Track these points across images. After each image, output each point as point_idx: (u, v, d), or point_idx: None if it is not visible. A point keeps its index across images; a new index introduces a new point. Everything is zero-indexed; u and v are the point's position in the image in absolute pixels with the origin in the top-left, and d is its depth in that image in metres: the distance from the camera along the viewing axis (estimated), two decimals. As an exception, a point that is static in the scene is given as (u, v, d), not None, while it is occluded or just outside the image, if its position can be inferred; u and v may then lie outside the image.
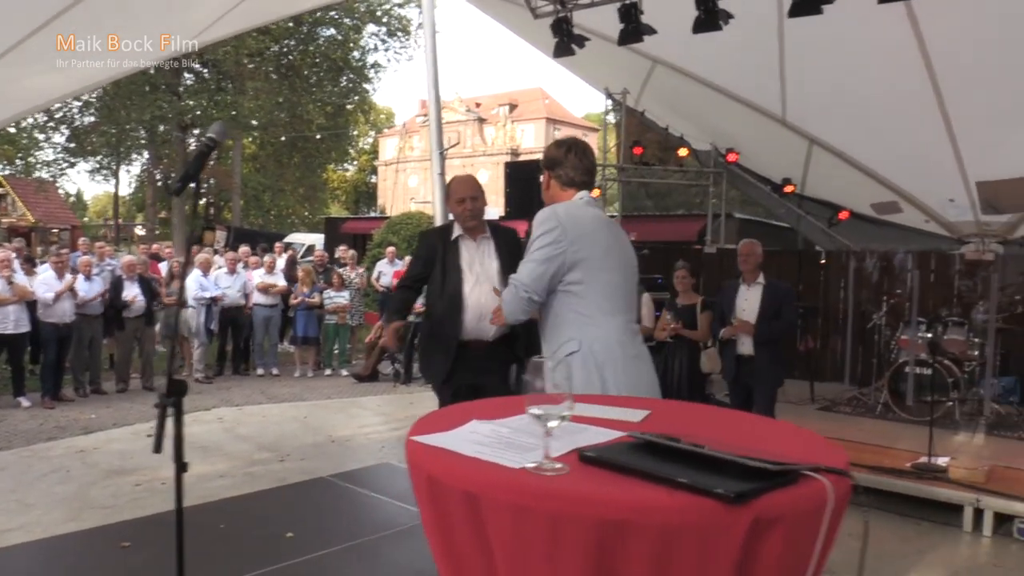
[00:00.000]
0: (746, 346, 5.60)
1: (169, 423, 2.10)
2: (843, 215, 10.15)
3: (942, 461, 5.27)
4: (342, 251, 12.89)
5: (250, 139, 21.39)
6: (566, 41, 6.68)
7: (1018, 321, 7.94)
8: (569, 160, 2.83)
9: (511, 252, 3.73)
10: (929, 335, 7.77)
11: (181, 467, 2.20)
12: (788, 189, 10.11)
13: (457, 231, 3.78)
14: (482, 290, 3.65)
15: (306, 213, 31.25)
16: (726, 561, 1.04)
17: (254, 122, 19.30)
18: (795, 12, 5.43)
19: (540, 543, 1.09)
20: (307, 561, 3.84)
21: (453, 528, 1.21)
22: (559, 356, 2.60)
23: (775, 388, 5.67)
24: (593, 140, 51.49)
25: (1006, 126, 7.36)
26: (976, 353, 7.78)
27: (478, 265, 3.72)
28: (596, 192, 10.24)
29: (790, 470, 1.13)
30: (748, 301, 5.63)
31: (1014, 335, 7.93)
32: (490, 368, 3.69)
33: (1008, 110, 7.12)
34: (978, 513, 4.74)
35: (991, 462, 5.40)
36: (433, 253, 3.76)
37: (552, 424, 1.26)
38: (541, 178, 2.98)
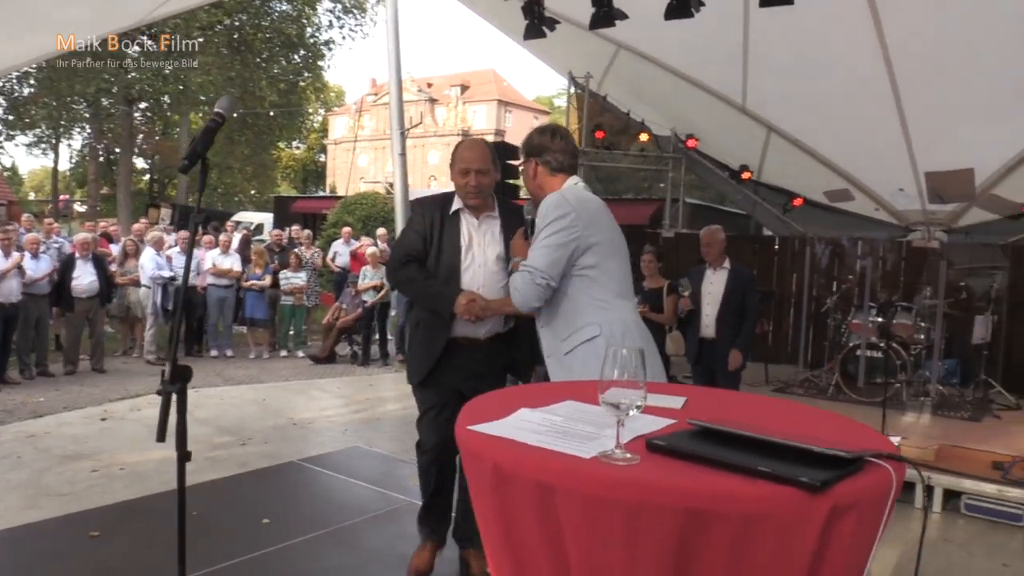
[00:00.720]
0: (709, 329, 5.72)
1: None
2: (797, 202, 10.40)
3: (894, 440, 5.46)
4: (295, 231, 12.66)
5: (199, 115, 20.97)
6: (537, 23, 6.66)
7: (960, 307, 8.25)
8: (556, 144, 2.81)
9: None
10: (879, 319, 8.03)
11: (184, 456, 2.14)
12: (745, 175, 10.30)
13: (458, 203, 3.25)
14: (478, 275, 3.19)
15: (253, 191, 30.65)
16: (804, 548, 1.07)
17: (203, 97, 18.86)
18: (766, 2, 5.50)
19: (618, 533, 1.10)
20: (288, 548, 3.78)
21: (519, 518, 1.21)
22: (576, 341, 2.57)
23: (739, 371, 5.80)
24: (545, 122, 51.55)
25: (956, 119, 7.63)
26: (922, 337, 8.06)
27: (477, 246, 3.22)
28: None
29: (859, 457, 1.15)
30: (713, 284, 5.75)
31: (956, 320, 8.24)
32: (481, 373, 3.20)
33: (959, 104, 7.38)
34: (928, 490, 4.94)
35: (939, 441, 5.64)
36: (430, 225, 3.23)
37: (632, 413, 1.25)
38: (522, 168, 2.91)
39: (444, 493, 3.44)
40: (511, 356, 3.37)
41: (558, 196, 2.64)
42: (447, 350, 3.21)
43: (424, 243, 3.22)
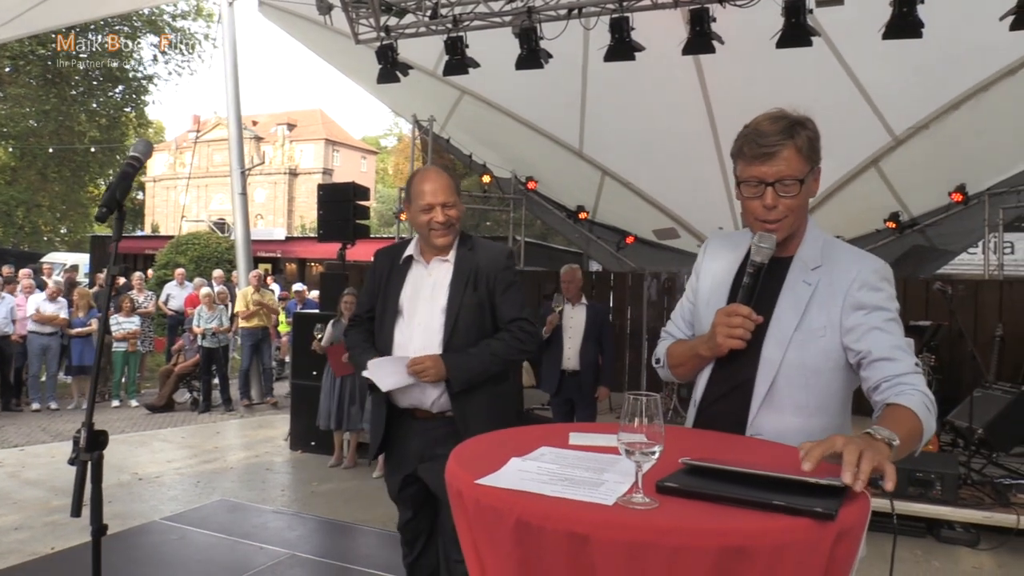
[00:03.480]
0: (571, 361, 5.97)
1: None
2: (629, 240, 11.14)
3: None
4: (103, 273, 11.87)
5: (8, 149, 19.03)
6: (390, 68, 6.82)
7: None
8: None
9: (483, 283, 2.70)
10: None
11: (99, 531, 2.01)
12: (582, 215, 10.93)
13: (412, 249, 2.76)
14: (414, 336, 2.67)
15: (63, 231, 28.32)
16: (816, 572, 1.18)
17: (5, 129, 17.26)
18: (610, 57, 5.99)
19: (657, 576, 1.13)
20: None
21: (546, 571, 1.22)
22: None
23: (596, 403, 6.12)
24: (372, 163, 51.44)
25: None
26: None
27: (422, 300, 2.70)
28: (404, 216, 10.42)
29: (847, 486, 1.25)
30: (574, 319, 6.04)
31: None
32: (435, 454, 2.59)
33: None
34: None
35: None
36: (379, 280, 2.81)
37: (653, 458, 1.30)
38: (804, 178, 1.72)
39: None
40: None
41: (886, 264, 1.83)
42: (395, 421, 2.75)
43: (372, 303, 2.84)
